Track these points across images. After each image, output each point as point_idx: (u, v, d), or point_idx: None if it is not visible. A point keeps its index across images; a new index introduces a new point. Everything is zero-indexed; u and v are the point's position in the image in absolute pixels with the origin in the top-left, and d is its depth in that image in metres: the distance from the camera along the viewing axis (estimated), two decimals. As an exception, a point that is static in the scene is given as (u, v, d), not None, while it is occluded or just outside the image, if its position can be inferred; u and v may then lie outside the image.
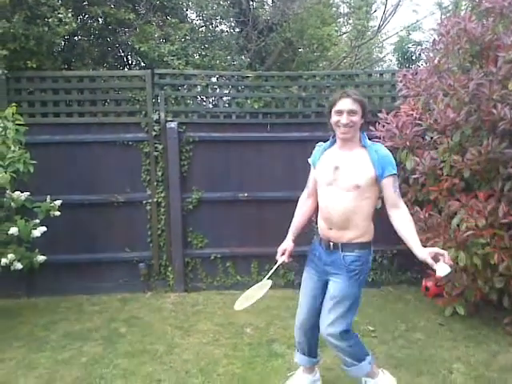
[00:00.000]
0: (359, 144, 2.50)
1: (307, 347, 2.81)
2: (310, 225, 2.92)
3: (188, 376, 3.14)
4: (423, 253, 2.32)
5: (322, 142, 2.70)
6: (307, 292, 2.71)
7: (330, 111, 2.48)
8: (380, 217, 4.60)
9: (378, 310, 4.33)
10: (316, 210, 2.75)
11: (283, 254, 2.71)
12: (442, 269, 2.22)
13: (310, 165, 2.75)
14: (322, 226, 2.63)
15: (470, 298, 3.90)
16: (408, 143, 4.09)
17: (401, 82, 4.27)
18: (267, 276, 2.70)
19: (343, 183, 2.45)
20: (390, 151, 4.26)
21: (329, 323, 2.53)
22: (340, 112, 2.42)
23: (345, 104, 2.41)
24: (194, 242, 4.95)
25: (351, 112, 2.40)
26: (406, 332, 3.82)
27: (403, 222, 2.47)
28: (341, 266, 2.51)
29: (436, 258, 2.27)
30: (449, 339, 3.68)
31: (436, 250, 2.31)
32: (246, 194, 4.87)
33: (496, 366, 3.23)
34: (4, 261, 3.83)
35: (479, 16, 4.01)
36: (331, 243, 2.55)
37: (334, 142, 2.60)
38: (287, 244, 2.73)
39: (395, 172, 2.46)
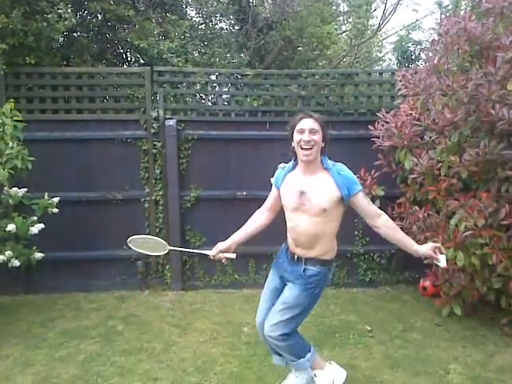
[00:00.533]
0: (321, 167, 2.55)
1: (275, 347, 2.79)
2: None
3: (185, 374, 3.14)
4: (424, 249, 2.48)
5: (284, 164, 2.73)
6: (267, 293, 2.79)
7: (292, 133, 2.53)
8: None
9: (376, 309, 4.33)
10: (268, 225, 2.82)
11: (216, 249, 2.71)
12: (443, 260, 2.45)
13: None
14: (289, 241, 2.69)
15: (468, 298, 3.90)
16: (406, 143, 4.09)
17: (400, 81, 4.26)
18: (186, 250, 2.96)
19: (310, 208, 2.50)
20: (389, 151, 4.35)
21: (272, 324, 2.59)
22: (302, 130, 2.47)
23: (306, 123, 2.48)
24: (191, 241, 4.95)
25: (313, 130, 2.46)
26: (403, 332, 3.82)
27: (391, 226, 2.56)
28: (300, 276, 2.58)
29: (435, 252, 2.46)
30: (446, 339, 3.68)
31: (432, 244, 2.50)
32: (244, 193, 4.87)
33: (493, 367, 3.23)
34: (1, 258, 3.83)
35: (479, 16, 4.01)
36: (296, 256, 2.62)
37: (296, 164, 2.64)
38: (224, 245, 2.71)
39: (361, 188, 2.54)
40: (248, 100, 4.95)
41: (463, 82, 3.58)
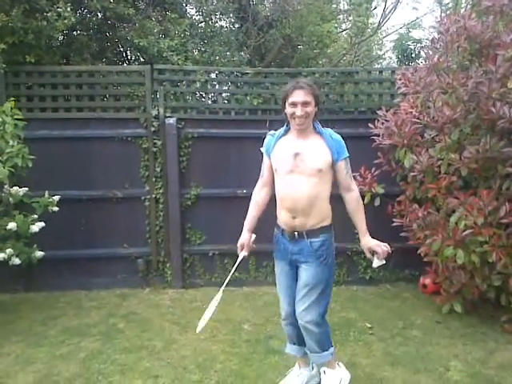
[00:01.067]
0: (314, 131, 2.57)
1: (296, 337, 2.81)
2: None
3: (185, 372, 3.14)
4: (363, 242, 2.66)
5: (273, 131, 2.70)
6: (283, 284, 2.73)
7: (284, 102, 2.50)
8: (377, 215, 4.64)
9: (376, 307, 4.34)
10: (271, 200, 2.77)
11: (243, 248, 2.75)
12: (376, 262, 2.58)
13: (265, 154, 2.73)
14: (284, 216, 2.62)
15: (468, 295, 3.91)
16: (406, 141, 4.09)
17: (400, 79, 4.27)
18: (230, 273, 2.74)
19: (306, 169, 2.49)
20: (389, 149, 4.35)
21: (304, 308, 2.57)
22: (294, 104, 2.44)
23: (298, 96, 2.44)
24: (192, 239, 4.96)
25: (305, 103, 2.43)
26: (404, 329, 3.83)
27: (355, 206, 2.64)
28: (309, 252, 2.56)
29: (372, 252, 2.59)
30: (446, 337, 3.68)
31: (375, 242, 2.61)
32: (244, 191, 4.86)
33: (493, 364, 3.23)
34: (2, 256, 3.83)
35: (479, 14, 4.00)
36: (296, 232, 2.58)
37: (288, 129, 2.62)
38: (244, 238, 2.75)
39: (348, 155, 2.59)
40: (248, 98, 4.95)
41: (463, 80, 3.58)
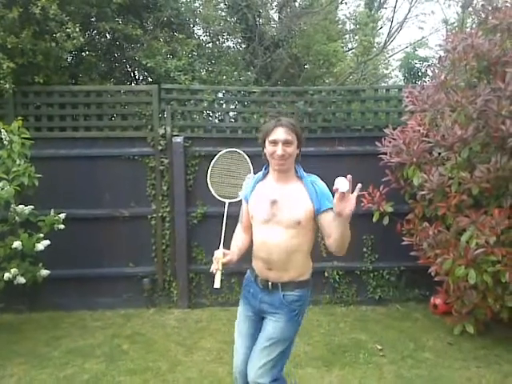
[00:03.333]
0: (295, 175, 2.34)
1: None
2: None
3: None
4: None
5: (253, 174, 2.51)
6: (243, 333, 2.44)
7: (264, 140, 2.30)
8: (386, 233, 4.59)
9: (386, 328, 4.24)
10: (251, 245, 2.48)
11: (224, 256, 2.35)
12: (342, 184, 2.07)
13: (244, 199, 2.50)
14: (259, 265, 2.38)
15: (480, 316, 3.83)
16: (415, 159, 4.05)
17: (407, 97, 4.25)
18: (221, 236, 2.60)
19: (283, 219, 2.25)
20: (397, 167, 4.31)
21: (259, 366, 2.28)
22: (275, 142, 2.23)
23: (280, 134, 2.23)
24: (198, 257, 4.91)
25: (286, 142, 2.23)
26: (415, 351, 3.73)
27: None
28: (281, 305, 2.29)
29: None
30: (458, 359, 3.59)
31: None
32: (251, 209, 4.83)
33: (508, 388, 3.14)
34: (7, 275, 3.81)
35: (486, 32, 4.00)
36: (270, 283, 2.32)
37: (267, 173, 2.41)
38: (224, 250, 2.39)
39: (332, 206, 2.18)
40: (255, 117, 4.95)
41: (472, 98, 3.55)
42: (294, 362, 3.52)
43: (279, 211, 2.26)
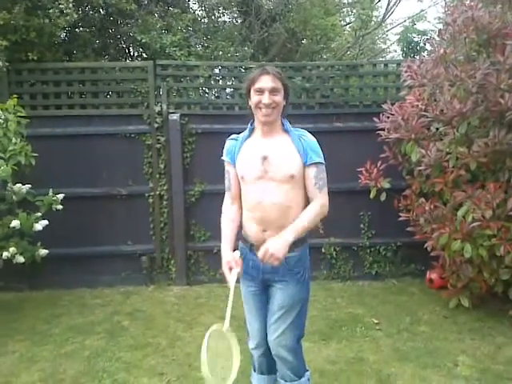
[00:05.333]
0: (281, 128, 2.22)
1: (267, 366, 2.43)
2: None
3: (191, 369, 3.12)
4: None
5: (235, 135, 2.37)
6: (253, 307, 2.33)
7: (249, 91, 2.17)
8: (383, 209, 4.61)
9: (382, 302, 4.30)
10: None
11: (231, 268, 2.10)
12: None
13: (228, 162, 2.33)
14: (252, 229, 2.24)
15: (476, 290, 3.87)
16: (413, 135, 4.03)
17: (406, 72, 4.20)
18: (229, 303, 2.06)
19: (276, 174, 2.13)
20: (395, 142, 4.29)
21: (278, 335, 2.21)
22: (261, 91, 2.10)
23: (266, 82, 2.10)
24: (196, 235, 4.93)
25: (274, 90, 2.10)
26: (411, 325, 3.79)
27: (310, 208, 2.16)
28: (285, 270, 2.16)
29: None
30: (453, 332, 3.64)
31: (266, 246, 1.98)
32: (248, 187, 4.83)
33: (502, 359, 3.19)
34: (6, 254, 3.82)
35: (486, 4, 3.94)
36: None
37: (253, 129, 2.28)
38: (228, 256, 2.16)
39: (319, 161, 2.17)
40: (252, 93, 4.90)
41: (471, 72, 3.52)
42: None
43: (271, 166, 2.14)
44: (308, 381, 2.34)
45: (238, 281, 2.12)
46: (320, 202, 2.15)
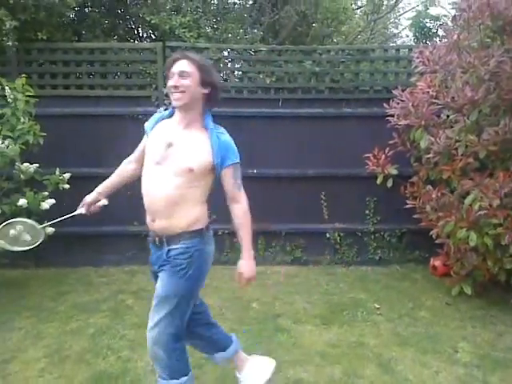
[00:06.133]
0: (200, 123, 2.17)
1: (200, 346, 2.53)
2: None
3: (193, 348, 3.16)
4: (238, 265, 2.24)
5: (162, 109, 2.33)
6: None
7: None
8: (389, 196, 4.59)
9: (385, 288, 4.31)
10: (134, 180, 2.49)
11: (84, 205, 2.48)
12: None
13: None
14: (147, 217, 2.26)
15: (479, 278, 3.88)
16: (423, 122, 3.99)
17: (417, 58, 4.15)
18: (61, 219, 2.53)
19: (174, 165, 2.09)
20: (404, 129, 4.26)
21: (153, 325, 2.15)
22: (171, 74, 2.10)
23: (177, 66, 2.09)
24: (202, 216, 4.94)
25: (183, 74, 2.07)
26: (412, 310, 3.81)
27: (241, 221, 2.22)
28: (164, 261, 2.16)
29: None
30: (455, 318, 3.66)
31: (239, 271, 2.23)
32: (255, 171, 4.83)
33: (502, 346, 3.21)
34: (12, 232, 3.86)
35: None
36: (157, 237, 2.19)
37: (173, 113, 2.26)
38: (89, 196, 2.50)
39: (237, 161, 2.17)
40: (261, 76, 4.88)
41: (485, 59, 3.46)
42: (293, 318, 3.62)
43: (172, 155, 2.10)
44: None
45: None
46: (244, 208, 2.22)
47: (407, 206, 4.24)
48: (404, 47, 5.56)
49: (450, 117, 3.92)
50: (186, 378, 2.21)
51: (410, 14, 10.98)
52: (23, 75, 4.06)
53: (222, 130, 2.21)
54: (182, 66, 2.09)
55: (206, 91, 2.13)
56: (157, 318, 2.13)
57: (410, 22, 8.09)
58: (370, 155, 4.45)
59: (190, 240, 2.14)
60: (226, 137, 2.19)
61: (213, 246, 2.31)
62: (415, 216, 4.24)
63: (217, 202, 4.71)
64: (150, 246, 2.29)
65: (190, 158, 2.09)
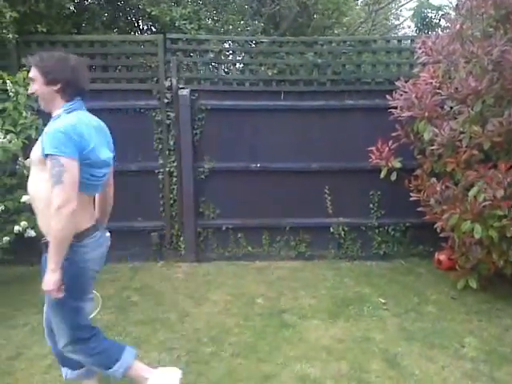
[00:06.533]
0: (56, 114, 2.13)
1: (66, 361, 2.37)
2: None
3: (200, 344, 3.16)
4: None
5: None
6: None
7: None
8: (393, 189, 4.57)
9: (390, 282, 4.30)
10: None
11: None
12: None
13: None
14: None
15: (484, 271, 3.86)
16: (427, 113, 3.95)
17: (420, 48, 4.10)
18: None
19: (32, 158, 2.12)
20: (407, 121, 4.22)
21: (57, 338, 2.18)
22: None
23: (30, 73, 2.10)
24: (206, 213, 4.93)
25: (31, 80, 2.09)
26: (418, 305, 3.80)
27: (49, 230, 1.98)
28: (43, 271, 2.03)
29: None
30: (461, 313, 3.65)
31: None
32: (258, 165, 4.81)
33: (509, 341, 3.20)
34: (17, 228, 3.85)
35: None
36: (42, 240, 2.11)
37: None
38: None
39: (50, 152, 1.92)
40: (262, 69, 4.83)
41: (488, 49, 3.43)
42: (298, 313, 3.61)
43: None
44: (122, 370, 2.24)
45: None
46: (53, 206, 1.91)
47: (411, 199, 4.20)
48: (406, 38, 5.51)
49: (454, 108, 3.87)
50: (119, 362, 2.24)
51: (411, 4, 10.91)
52: (24, 69, 4.01)
53: (62, 118, 2.06)
54: (30, 72, 2.10)
55: (56, 88, 2.09)
56: (56, 330, 2.18)
57: (412, 12, 8.04)
58: (374, 148, 4.42)
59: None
60: (52, 125, 2.02)
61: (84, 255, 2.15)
62: (419, 209, 4.21)
63: (222, 197, 4.72)
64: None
65: (36, 147, 2.08)
